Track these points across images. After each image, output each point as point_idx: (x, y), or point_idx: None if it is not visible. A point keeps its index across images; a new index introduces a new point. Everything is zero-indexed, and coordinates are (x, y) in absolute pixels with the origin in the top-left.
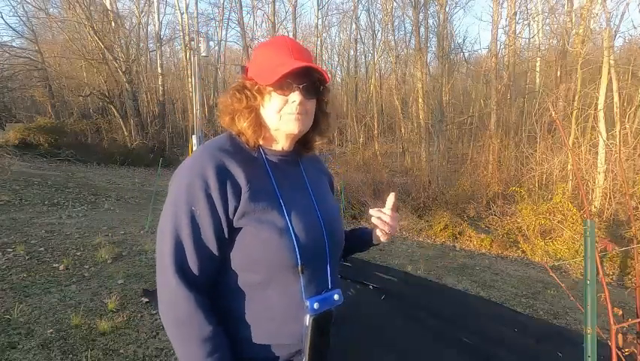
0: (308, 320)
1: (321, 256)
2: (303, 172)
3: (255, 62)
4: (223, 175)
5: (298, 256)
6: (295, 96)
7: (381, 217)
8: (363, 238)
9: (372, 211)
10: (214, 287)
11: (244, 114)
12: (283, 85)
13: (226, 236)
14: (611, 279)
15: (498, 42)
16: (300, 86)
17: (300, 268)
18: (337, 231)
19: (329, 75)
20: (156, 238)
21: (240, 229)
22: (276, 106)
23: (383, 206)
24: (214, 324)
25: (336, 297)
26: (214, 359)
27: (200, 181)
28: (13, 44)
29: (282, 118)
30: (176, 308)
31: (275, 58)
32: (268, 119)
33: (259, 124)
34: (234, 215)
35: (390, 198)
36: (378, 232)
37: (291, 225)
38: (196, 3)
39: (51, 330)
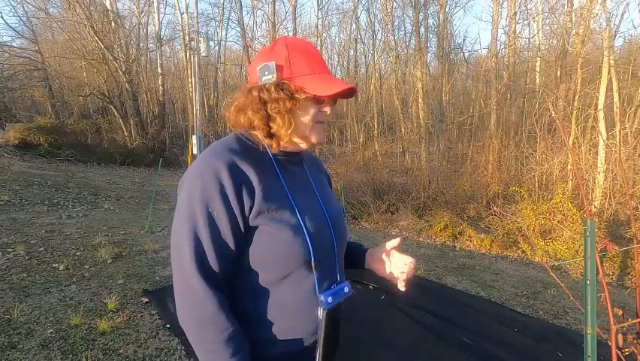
0: (321, 313)
1: (330, 251)
2: (307, 171)
3: (289, 64)
4: (236, 175)
5: (312, 253)
6: (327, 107)
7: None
8: (353, 258)
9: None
10: (230, 287)
11: (285, 118)
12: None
13: (244, 235)
14: (611, 279)
15: (498, 42)
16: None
17: (313, 264)
18: (342, 227)
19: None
20: (171, 243)
21: (255, 227)
22: (311, 114)
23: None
24: (236, 324)
25: (346, 289)
26: (237, 360)
27: (214, 181)
28: (13, 44)
29: (313, 127)
30: (200, 309)
31: (314, 67)
32: (301, 125)
33: (293, 129)
34: (250, 214)
35: (394, 243)
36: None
37: (303, 223)
38: (196, 3)
39: (51, 330)
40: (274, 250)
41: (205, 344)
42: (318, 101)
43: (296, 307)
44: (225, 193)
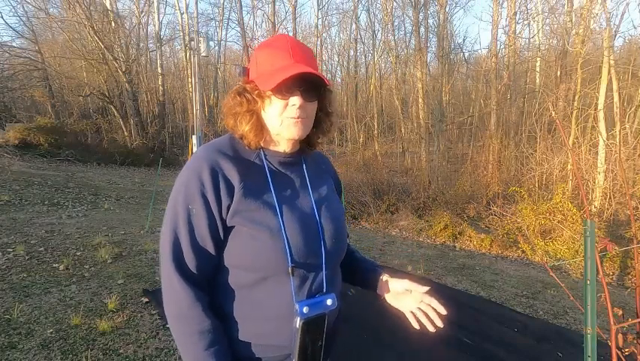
0: (298, 323)
1: (316, 258)
2: (306, 173)
3: (255, 65)
4: (217, 175)
5: (289, 258)
6: (295, 100)
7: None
8: (365, 278)
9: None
10: (209, 284)
11: (245, 118)
12: (283, 89)
13: (221, 235)
14: (611, 279)
15: (498, 42)
16: (300, 90)
17: (290, 270)
18: (337, 235)
19: (328, 79)
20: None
21: (233, 227)
22: (276, 110)
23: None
24: (212, 318)
25: (329, 302)
26: (212, 352)
27: (196, 181)
28: (13, 44)
29: (282, 122)
30: (176, 303)
31: (275, 61)
32: (269, 123)
33: (260, 127)
34: (227, 213)
35: (419, 288)
36: (408, 315)
37: (284, 226)
38: (196, 3)
39: (51, 330)
40: (250, 251)
41: (182, 336)
42: (282, 96)
43: (270, 312)
44: (204, 193)
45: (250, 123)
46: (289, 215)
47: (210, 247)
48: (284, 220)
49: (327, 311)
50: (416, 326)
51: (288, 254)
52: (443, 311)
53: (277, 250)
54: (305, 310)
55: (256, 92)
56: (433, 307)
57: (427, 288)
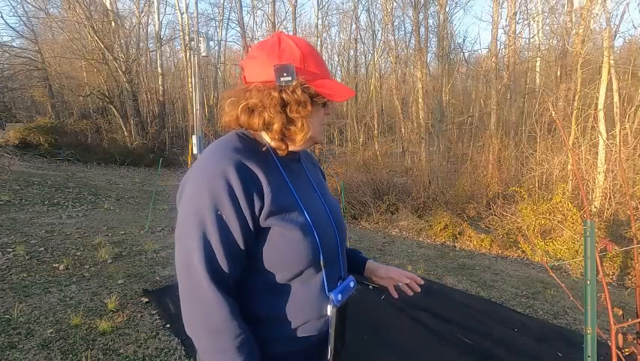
0: (332, 311)
1: (335, 248)
2: (305, 169)
3: (309, 69)
4: (245, 176)
5: (321, 252)
6: (329, 110)
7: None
8: (352, 261)
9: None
10: (238, 288)
11: (305, 122)
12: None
13: (254, 237)
14: (611, 279)
15: (498, 42)
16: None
17: (322, 263)
18: (343, 224)
19: None
20: (176, 251)
21: (266, 228)
22: (321, 118)
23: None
24: (247, 329)
25: (351, 284)
26: None
27: (222, 183)
28: (13, 44)
29: (319, 129)
30: (209, 318)
31: (324, 70)
32: (314, 128)
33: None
34: (260, 215)
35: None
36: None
37: (312, 222)
38: (196, 3)
39: (51, 330)
40: (285, 250)
41: (217, 352)
42: (324, 104)
43: (306, 305)
44: (234, 195)
45: (309, 129)
46: (311, 211)
47: (244, 250)
48: (310, 217)
49: (351, 293)
50: (395, 295)
51: (320, 248)
52: (420, 281)
53: (310, 246)
54: (339, 297)
55: (322, 100)
56: (411, 280)
57: (404, 281)
